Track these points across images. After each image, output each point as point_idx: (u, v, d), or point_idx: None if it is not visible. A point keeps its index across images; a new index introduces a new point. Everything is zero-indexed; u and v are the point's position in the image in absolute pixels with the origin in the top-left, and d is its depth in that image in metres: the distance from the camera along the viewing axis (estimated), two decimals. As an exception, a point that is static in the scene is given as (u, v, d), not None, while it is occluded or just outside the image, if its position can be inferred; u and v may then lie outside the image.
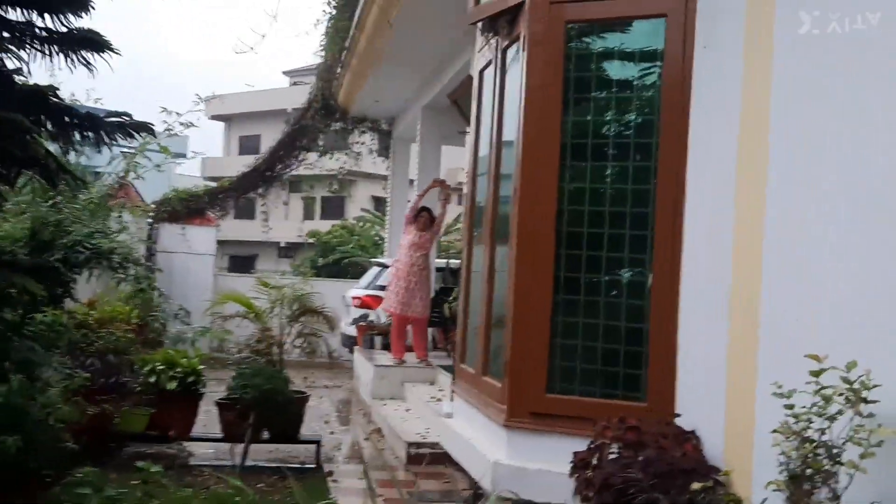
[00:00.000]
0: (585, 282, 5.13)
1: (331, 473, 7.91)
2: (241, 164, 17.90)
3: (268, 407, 7.95)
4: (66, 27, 3.78)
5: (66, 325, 7.34)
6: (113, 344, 8.49)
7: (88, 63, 3.85)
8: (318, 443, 8.35)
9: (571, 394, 5.08)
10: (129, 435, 8.03)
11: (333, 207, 43.58)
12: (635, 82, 5.09)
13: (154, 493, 3.55)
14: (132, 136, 4.00)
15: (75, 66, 3.82)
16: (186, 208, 15.85)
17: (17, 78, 3.88)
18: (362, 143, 16.94)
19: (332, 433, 9.96)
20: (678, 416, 4.65)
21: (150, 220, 15.10)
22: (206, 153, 36.52)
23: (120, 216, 8.80)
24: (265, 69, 76.38)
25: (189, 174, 42.84)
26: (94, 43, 3.77)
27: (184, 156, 43.17)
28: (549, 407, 5.08)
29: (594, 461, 4.53)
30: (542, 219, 5.17)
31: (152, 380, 8.08)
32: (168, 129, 10.10)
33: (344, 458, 8.71)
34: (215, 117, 51.79)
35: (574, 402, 5.04)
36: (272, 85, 51.87)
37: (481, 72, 6.52)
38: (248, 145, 47.04)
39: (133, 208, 10.70)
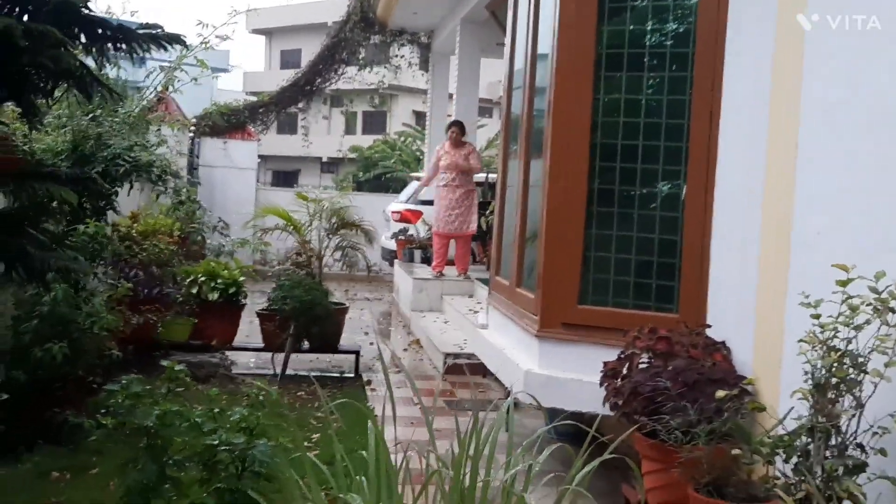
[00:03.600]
0: (619, 194, 5.11)
1: (369, 382, 8.10)
2: (282, 79, 17.86)
3: (307, 318, 8.11)
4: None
5: (109, 236, 7.48)
6: (156, 256, 8.64)
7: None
8: (357, 353, 8.53)
9: (603, 305, 5.11)
10: (173, 344, 8.24)
11: (375, 122, 43.49)
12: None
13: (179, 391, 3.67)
14: (164, 48, 4.02)
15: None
16: (227, 123, 15.92)
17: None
18: (401, 57, 16.77)
19: (371, 344, 10.13)
20: (709, 326, 4.66)
21: (191, 135, 15.20)
22: (244, 66, 36.36)
23: (159, 130, 8.87)
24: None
25: (231, 89, 43.03)
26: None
27: (225, 70, 43.14)
28: (581, 318, 5.12)
29: (624, 370, 4.59)
30: (576, 131, 5.13)
31: (194, 291, 8.27)
32: (204, 43, 10.09)
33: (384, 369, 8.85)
34: (256, 31, 51.55)
35: (606, 312, 5.07)
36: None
37: (517, -19, 6.41)
38: (289, 59, 46.85)
39: (172, 122, 10.75)
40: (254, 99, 18.61)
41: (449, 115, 14.11)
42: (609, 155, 5.11)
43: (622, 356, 4.63)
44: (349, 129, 44.66)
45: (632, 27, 5.09)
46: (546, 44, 5.56)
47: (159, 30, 3.95)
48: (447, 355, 8.49)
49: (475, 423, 3.15)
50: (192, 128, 15.32)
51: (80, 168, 6.95)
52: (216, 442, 3.32)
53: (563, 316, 5.17)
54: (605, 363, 4.66)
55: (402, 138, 34.59)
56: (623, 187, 5.10)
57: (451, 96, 15.18)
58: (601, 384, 4.62)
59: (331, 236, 8.77)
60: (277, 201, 10.23)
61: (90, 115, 7.21)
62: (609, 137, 5.11)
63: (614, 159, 5.10)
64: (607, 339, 4.89)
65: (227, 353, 8.51)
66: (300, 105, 17.44)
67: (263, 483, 3.40)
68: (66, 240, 5.95)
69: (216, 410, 3.53)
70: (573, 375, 5.01)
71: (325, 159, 43.53)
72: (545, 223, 5.26)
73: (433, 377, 8.50)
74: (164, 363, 3.72)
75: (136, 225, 9.30)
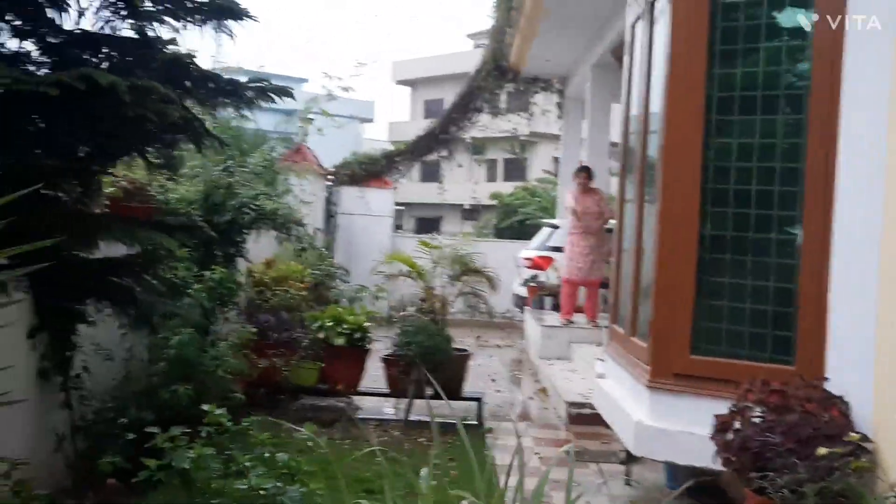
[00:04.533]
0: (732, 240, 4.96)
1: (491, 430, 8.05)
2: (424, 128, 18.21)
3: (429, 363, 8.16)
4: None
5: (239, 282, 7.77)
6: (286, 301, 8.92)
7: (229, 31, 4.07)
8: (479, 400, 8.51)
9: (716, 355, 4.94)
10: (301, 388, 8.46)
11: (516, 169, 43.66)
12: (784, 31, 4.83)
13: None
14: (272, 101, 4.18)
15: (217, 34, 4.05)
16: (365, 171, 16.33)
17: (170, 48, 4.14)
18: (535, 104, 16.85)
19: (498, 391, 10.10)
20: (826, 379, 4.43)
21: (329, 183, 15.66)
22: (390, 116, 37.22)
23: (286, 179, 9.19)
24: (451, 33, 77.00)
25: (377, 138, 44.22)
26: (232, 11, 3.98)
27: (369, 120, 44.12)
28: (693, 368, 4.96)
29: (736, 424, 4.41)
30: (687, 175, 5.02)
31: (321, 335, 8.45)
32: (329, 94, 10.46)
33: (506, 416, 8.82)
34: (401, 82, 52.90)
35: (719, 364, 4.89)
36: (457, 49, 52.27)
37: (632, 26, 6.36)
38: (432, 109, 47.70)
39: (300, 171, 11.10)
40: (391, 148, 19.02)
41: (581, 161, 14.06)
42: (721, 200, 4.97)
43: (733, 409, 4.45)
44: (491, 177, 45.03)
45: (743, 70, 4.96)
46: (657, 89, 5.48)
47: (266, 83, 4.11)
48: (570, 404, 8.37)
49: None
50: (332, 176, 15.77)
51: (210, 217, 7.31)
52: (245, 486, 3.38)
53: (674, 366, 5.03)
54: (717, 416, 4.49)
55: (542, 185, 34.57)
56: (735, 232, 4.94)
57: (582, 141, 15.13)
58: (712, 437, 4.45)
59: (454, 282, 8.82)
60: (414, 247, 10.36)
61: (222, 167, 7.56)
62: (721, 182, 4.97)
63: (727, 204, 4.96)
64: (720, 390, 4.71)
65: (354, 397, 8.66)
66: (438, 153, 17.72)
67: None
68: (191, 286, 6.22)
69: (266, 455, 3.60)
70: (684, 428, 4.85)
71: (466, 206, 43.91)
72: (656, 270, 5.15)
73: (557, 426, 8.39)
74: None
75: (269, 271, 9.63)
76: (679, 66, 5.11)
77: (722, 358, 4.92)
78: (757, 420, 4.32)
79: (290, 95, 4.20)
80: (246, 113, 5.39)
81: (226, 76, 4.06)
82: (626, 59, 6.60)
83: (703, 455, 4.49)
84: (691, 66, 5.04)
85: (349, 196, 16.46)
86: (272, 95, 4.15)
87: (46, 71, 4.01)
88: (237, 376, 6.63)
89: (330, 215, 15.86)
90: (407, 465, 3.47)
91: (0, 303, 3.37)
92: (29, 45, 4.24)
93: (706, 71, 5.00)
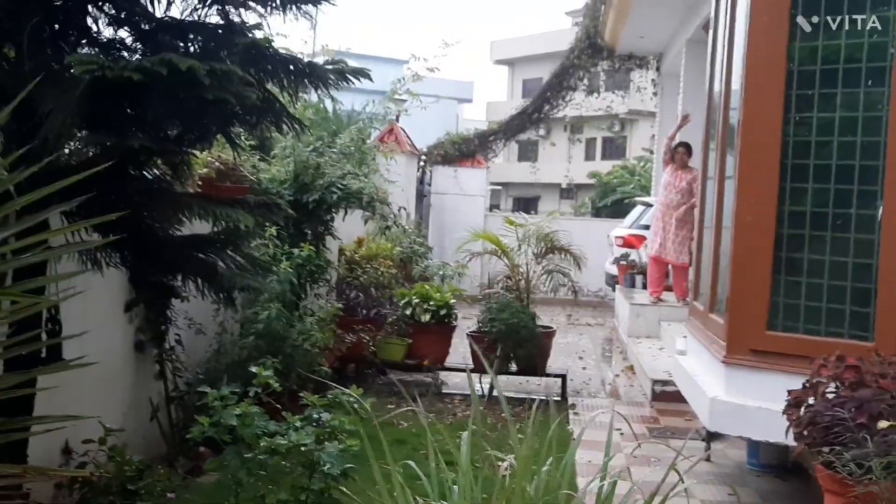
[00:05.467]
0: (811, 215, 4.90)
1: (573, 406, 8.12)
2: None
3: (513, 340, 8.28)
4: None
5: (327, 260, 8.02)
6: (376, 278, 9.14)
7: (310, 15, 4.23)
8: (563, 376, 8.59)
9: (793, 331, 4.90)
10: (388, 363, 8.68)
11: (614, 148, 43.23)
12: (867, 3, 4.73)
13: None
14: (349, 82, 4.32)
15: (297, 19, 4.21)
16: (458, 151, 16.46)
17: (254, 33, 4.32)
18: (632, 82, 16.69)
19: (584, 368, 10.15)
20: (904, 356, 4.37)
21: (422, 163, 15.85)
22: (488, 96, 37.12)
23: (373, 159, 9.39)
24: (550, 10, 76.23)
25: (475, 118, 44.30)
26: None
27: (468, 100, 44.21)
28: (770, 344, 4.94)
29: (809, 400, 4.38)
30: (766, 150, 4.98)
31: (408, 312, 8.64)
32: (415, 75, 10.62)
33: (590, 393, 8.87)
34: (499, 62, 52.81)
35: (796, 340, 4.86)
36: (555, 26, 51.80)
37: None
38: (530, 88, 47.41)
39: (390, 151, 11.26)
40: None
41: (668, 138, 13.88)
42: (800, 176, 4.92)
43: (807, 385, 4.42)
44: (589, 156, 44.65)
45: (824, 43, 4.88)
46: (738, 63, 5.44)
47: (343, 65, 4.25)
48: (655, 381, 8.37)
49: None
50: (423, 156, 15.97)
51: (300, 196, 7.55)
52: (286, 442, 3.58)
53: (751, 342, 5.01)
54: (790, 391, 4.47)
55: (642, 163, 34.17)
56: (815, 209, 4.88)
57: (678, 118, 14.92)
58: (784, 413, 4.44)
59: (539, 260, 8.89)
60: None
61: (312, 147, 7.78)
62: (800, 157, 4.91)
63: (806, 179, 4.90)
64: (796, 366, 4.67)
65: (440, 372, 8.83)
66: (533, 132, 17.73)
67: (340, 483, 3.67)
68: (279, 263, 6.46)
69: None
70: (760, 404, 4.84)
71: (564, 185, 43.70)
72: (733, 246, 5.14)
73: (641, 403, 8.40)
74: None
75: (360, 249, 9.87)
76: (759, 39, 5.06)
77: (799, 334, 4.88)
78: (830, 395, 4.29)
79: (368, 77, 4.32)
80: (335, 94, 5.58)
81: (306, 59, 4.21)
82: (710, 33, 6.54)
83: (777, 431, 4.48)
84: (771, 39, 4.98)
85: (442, 175, 16.62)
86: (350, 77, 4.28)
87: (138, 57, 4.23)
88: (324, 350, 6.85)
89: (422, 195, 16.06)
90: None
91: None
92: (123, 33, 4.49)
93: (787, 44, 4.94)
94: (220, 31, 4.23)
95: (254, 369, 4.72)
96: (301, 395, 6.35)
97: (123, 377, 5.68)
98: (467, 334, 8.79)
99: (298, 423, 3.96)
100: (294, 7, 4.26)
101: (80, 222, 3.25)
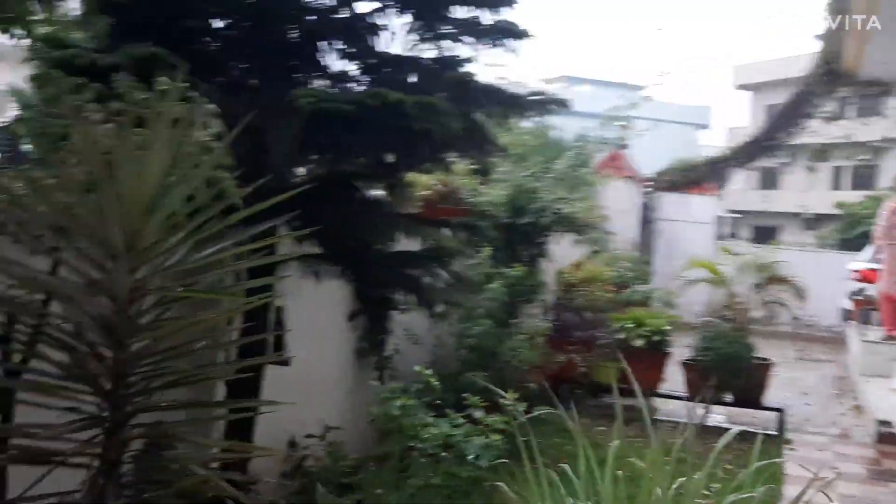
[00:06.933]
0: None
1: (789, 441, 7.90)
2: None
3: (727, 370, 8.17)
4: (492, 20, 4.46)
5: (540, 281, 8.26)
6: (591, 302, 9.28)
7: (513, 49, 4.50)
8: (780, 410, 8.36)
9: None
10: (599, 386, 8.78)
11: (864, 177, 40.79)
12: None
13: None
14: (549, 112, 4.56)
15: (502, 52, 4.50)
16: (685, 178, 16.20)
17: (464, 66, 4.66)
18: (883, 108, 15.87)
19: (807, 405, 9.79)
20: None
21: (647, 189, 15.76)
22: (729, 122, 36.06)
23: (590, 185, 9.52)
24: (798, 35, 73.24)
25: (713, 145, 43.21)
26: (512, 32, 4.40)
27: (705, 126, 43.26)
28: None
29: None
30: None
31: (621, 336, 8.72)
32: (636, 101, 10.68)
33: (810, 430, 8.57)
34: (742, 87, 51.23)
35: None
36: (802, 51, 49.67)
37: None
38: (773, 114, 45.82)
39: (607, 177, 11.32)
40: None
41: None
42: None
43: None
44: (835, 185, 42.44)
45: None
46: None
47: (543, 96, 4.50)
48: (880, 422, 8.00)
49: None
50: (649, 183, 15.87)
51: (514, 218, 7.85)
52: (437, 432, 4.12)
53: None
54: None
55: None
56: None
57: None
58: None
59: (759, 291, 8.72)
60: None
61: (528, 172, 8.08)
62: None
63: None
64: None
65: (652, 398, 8.82)
66: (767, 159, 17.18)
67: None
68: (491, 282, 6.78)
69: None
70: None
71: (807, 215, 41.72)
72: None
73: (864, 444, 8.04)
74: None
75: (577, 273, 10.05)
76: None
77: None
78: None
79: (566, 106, 4.54)
80: (551, 120, 5.84)
81: (508, 90, 4.48)
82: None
83: None
84: None
85: (668, 202, 16.44)
86: (551, 106, 4.52)
87: (363, 87, 4.68)
88: (534, 368, 7.09)
89: (647, 221, 15.95)
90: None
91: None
92: (350, 66, 4.97)
93: None
94: (432, 64, 4.60)
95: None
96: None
97: (344, 380, 6.18)
98: (681, 362, 8.74)
99: (461, 420, 4.37)
100: (500, 41, 4.55)
101: (283, 235, 3.66)
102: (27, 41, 3.34)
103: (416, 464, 4.53)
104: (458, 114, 3.91)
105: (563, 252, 9.53)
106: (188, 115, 2.61)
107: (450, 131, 3.89)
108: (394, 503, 4.43)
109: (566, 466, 3.39)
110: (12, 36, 3.05)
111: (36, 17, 3.16)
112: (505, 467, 4.19)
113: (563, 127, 10.11)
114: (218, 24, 4.71)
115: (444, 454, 4.40)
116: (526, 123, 9.19)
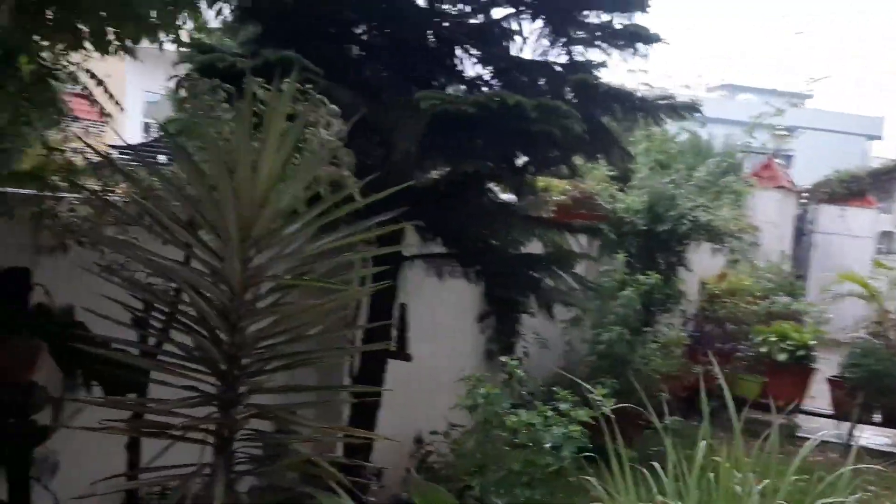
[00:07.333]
0: None
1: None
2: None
3: (876, 388, 7.84)
4: (621, 24, 4.45)
5: (679, 290, 8.12)
6: (734, 313, 9.06)
7: (644, 54, 4.49)
8: (934, 433, 7.94)
9: None
10: (740, 400, 8.52)
11: None
12: None
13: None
14: (680, 117, 4.52)
15: (628, 59, 4.50)
16: (846, 189, 15.47)
17: (596, 71, 4.68)
18: None
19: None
20: None
21: (803, 200, 15.16)
22: (877, 134, 34.07)
23: (733, 193, 9.24)
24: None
25: (888, 157, 41.03)
26: (641, 36, 4.39)
27: (878, 137, 41.43)
28: None
29: None
30: None
31: (763, 350, 8.47)
32: (777, 109, 10.31)
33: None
34: (921, 96, 48.54)
35: None
36: None
37: None
38: (950, 124, 43.10)
39: (750, 186, 10.91)
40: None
41: None
42: None
43: None
44: None
45: None
46: None
47: (673, 100, 4.47)
48: None
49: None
50: (805, 194, 15.27)
51: (653, 225, 7.76)
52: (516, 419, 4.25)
53: None
54: None
55: None
56: None
57: None
58: None
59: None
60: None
61: (669, 179, 7.96)
62: None
63: None
64: None
65: (796, 415, 8.53)
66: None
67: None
68: (625, 289, 6.73)
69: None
70: None
71: None
72: None
73: None
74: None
75: (721, 284, 9.82)
76: None
77: None
78: None
79: (698, 111, 4.49)
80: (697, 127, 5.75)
81: (636, 94, 4.46)
82: None
83: None
84: None
85: (826, 215, 15.76)
86: (681, 111, 4.49)
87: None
88: (668, 378, 6.97)
89: (802, 233, 15.34)
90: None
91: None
92: (484, 71, 5.07)
93: None
94: (562, 69, 4.64)
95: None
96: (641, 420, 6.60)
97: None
98: (827, 379, 8.43)
99: (549, 413, 4.51)
100: (630, 45, 4.55)
101: (402, 224, 3.73)
102: (173, 47, 3.57)
103: (498, 451, 4.64)
104: (580, 116, 3.93)
105: (708, 262, 9.33)
106: (307, 113, 2.75)
107: (571, 133, 3.92)
108: (476, 486, 4.54)
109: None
110: (158, 42, 3.27)
111: (180, 25, 3.37)
112: (592, 464, 4.23)
113: (717, 135, 9.90)
114: (359, 30, 4.92)
115: (529, 444, 4.43)
116: (671, 129, 9.04)
